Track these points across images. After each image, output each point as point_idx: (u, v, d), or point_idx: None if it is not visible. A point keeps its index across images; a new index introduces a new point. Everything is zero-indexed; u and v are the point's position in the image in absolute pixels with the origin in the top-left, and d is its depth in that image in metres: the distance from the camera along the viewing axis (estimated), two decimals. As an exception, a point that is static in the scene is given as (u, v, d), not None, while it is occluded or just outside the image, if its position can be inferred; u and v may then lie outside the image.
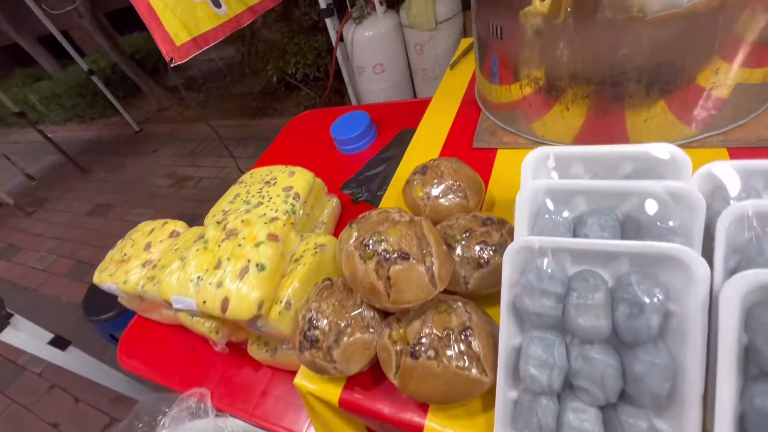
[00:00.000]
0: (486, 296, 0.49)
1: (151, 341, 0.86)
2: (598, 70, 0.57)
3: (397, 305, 0.42)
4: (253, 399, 0.69)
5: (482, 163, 0.73)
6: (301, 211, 0.76)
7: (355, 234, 0.46)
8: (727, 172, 0.40)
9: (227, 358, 0.76)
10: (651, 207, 0.39)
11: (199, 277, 0.57)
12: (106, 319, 1.52)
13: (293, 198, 0.75)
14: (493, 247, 0.47)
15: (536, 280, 0.38)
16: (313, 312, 0.47)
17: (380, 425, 0.50)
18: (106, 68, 4.66)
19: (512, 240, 0.42)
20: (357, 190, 0.98)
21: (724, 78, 0.55)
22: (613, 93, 0.58)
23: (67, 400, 1.87)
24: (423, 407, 0.46)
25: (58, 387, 1.95)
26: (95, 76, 3.65)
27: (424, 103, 0.99)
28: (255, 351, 0.69)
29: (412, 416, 0.45)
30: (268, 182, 0.79)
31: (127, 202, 3.10)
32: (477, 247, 0.47)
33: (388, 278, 0.41)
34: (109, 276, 0.76)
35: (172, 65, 1.36)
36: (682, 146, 0.44)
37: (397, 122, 1.16)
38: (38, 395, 1.95)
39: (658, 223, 0.38)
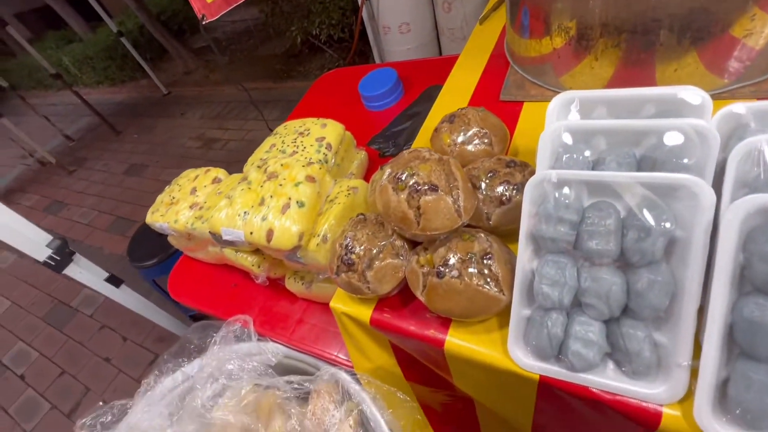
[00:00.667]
0: (506, 232, 0.53)
1: (197, 278, 0.96)
2: (629, 17, 0.57)
3: (425, 232, 0.47)
4: (290, 326, 0.78)
5: (508, 115, 0.75)
6: (333, 161, 0.80)
7: (388, 170, 0.50)
8: (747, 113, 0.41)
9: (266, 292, 0.84)
10: (667, 144, 0.41)
11: (245, 212, 0.64)
12: (149, 265, 1.66)
13: (325, 148, 0.80)
14: (515, 186, 0.51)
15: (553, 209, 0.42)
16: (350, 240, 0.53)
17: (405, 341, 0.56)
18: (133, 30, 4.71)
19: (534, 177, 0.45)
20: (384, 145, 1.02)
21: (761, 26, 0.55)
22: (643, 42, 0.59)
23: (116, 339, 2.08)
24: (445, 325, 0.52)
25: (107, 327, 2.16)
26: (124, 37, 3.71)
27: (452, 60, 1.00)
28: (292, 284, 0.76)
29: (435, 333, 0.51)
30: (301, 133, 0.84)
31: (159, 163, 3.24)
32: (500, 186, 0.51)
33: (418, 207, 0.46)
34: (160, 216, 0.85)
35: (204, 22, 1.40)
36: (712, 97, 0.45)
37: (424, 79, 1.17)
38: (90, 334, 2.17)
39: (674, 160, 0.41)
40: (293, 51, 3.57)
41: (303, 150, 0.80)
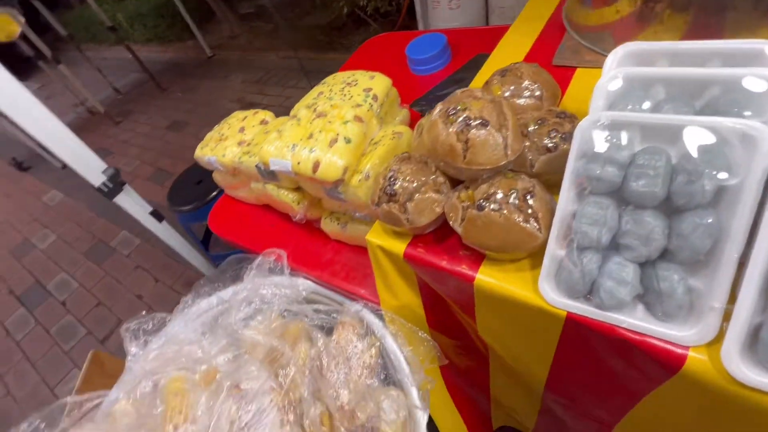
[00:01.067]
0: (548, 182, 0.54)
1: (235, 216, 1.01)
2: (705, -24, 0.56)
3: (470, 167, 0.48)
4: (321, 265, 0.81)
5: (559, 80, 0.73)
6: (378, 112, 0.82)
7: (439, 107, 0.52)
8: (821, 70, 0.40)
9: (301, 233, 0.88)
10: (729, 94, 0.41)
11: (294, 145, 0.67)
12: (186, 210, 1.75)
13: (372, 98, 0.82)
14: (563, 135, 0.51)
15: (603, 149, 0.42)
16: (394, 173, 0.55)
17: (436, 277, 0.59)
18: (185, -10, 4.80)
19: (585, 123, 0.46)
20: (426, 107, 1.02)
21: None
22: (715, 5, 0.57)
23: (149, 279, 2.22)
24: (477, 263, 0.53)
25: (141, 268, 2.30)
26: (177, -4, 3.81)
27: (502, 30, 0.99)
28: (327, 224, 0.80)
29: (467, 269, 0.53)
30: (349, 83, 0.86)
31: (200, 121, 3.35)
32: (548, 134, 0.52)
33: (467, 141, 0.48)
34: (210, 150, 0.89)
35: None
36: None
37: (473, 48, 1.16)
38: (126, 272, 2.31)
39: (735, 110, 0.40)
40: (338, 23, 3.56)
41: (350, 99, 0.82)
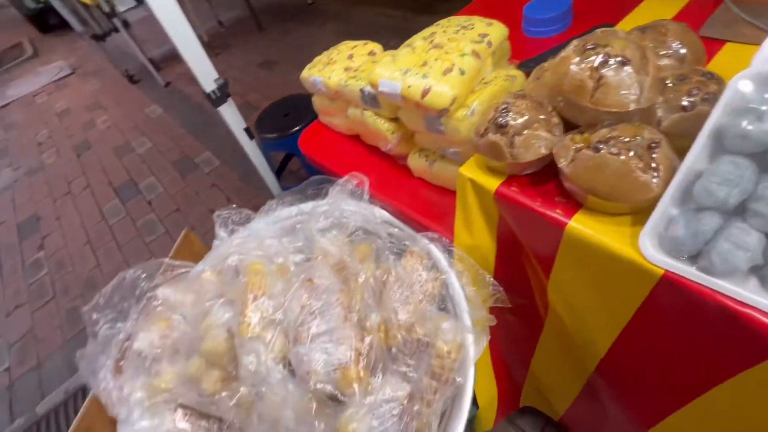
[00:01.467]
0: (672, 146, 0.51)
1: (324, 141, 1.06)
2: None
3: (596, 106, 0.47)
4: (401, 197, 0.84)
5: (702, 52, 0.67)
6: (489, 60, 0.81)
7: (575, 42, 0.50)
8: None
9: (386, 166, 0.91)
10: None
11: (407, 70, 0.69)
12: (270, 138, 1.86)
13: (486, 44, 0.80)
14: (706, 95, 0.48)
15: (759, 104, 0.39)
16: (508, 105, 0.55)
17: (524, 219, 0.59)
18: (298, -66, 4.88)
19: (743, 76, 0.42)
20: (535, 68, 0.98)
21: None
22: None
23: (222, 198, 2.42)
24: (572, 210, 0.52)
25: (217, 187, 2.51)
26: (291, -62, 3.89)
27: (636, 2, 0.92)
28: (415, 159, 0.82)
29: (561, 214, 0.53)
30: (465, 27, 0.85)
31: (290, 63, 3.48)
32: (687, 92, 0.48)
33: (600, 78, 0.46)
34: (317, 71, 0.94)
35: None
36: None
37: (598, 16, 1.07)
38: (204, 187, 2.54)
39: None
40: (442, -14, 3.45)
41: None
